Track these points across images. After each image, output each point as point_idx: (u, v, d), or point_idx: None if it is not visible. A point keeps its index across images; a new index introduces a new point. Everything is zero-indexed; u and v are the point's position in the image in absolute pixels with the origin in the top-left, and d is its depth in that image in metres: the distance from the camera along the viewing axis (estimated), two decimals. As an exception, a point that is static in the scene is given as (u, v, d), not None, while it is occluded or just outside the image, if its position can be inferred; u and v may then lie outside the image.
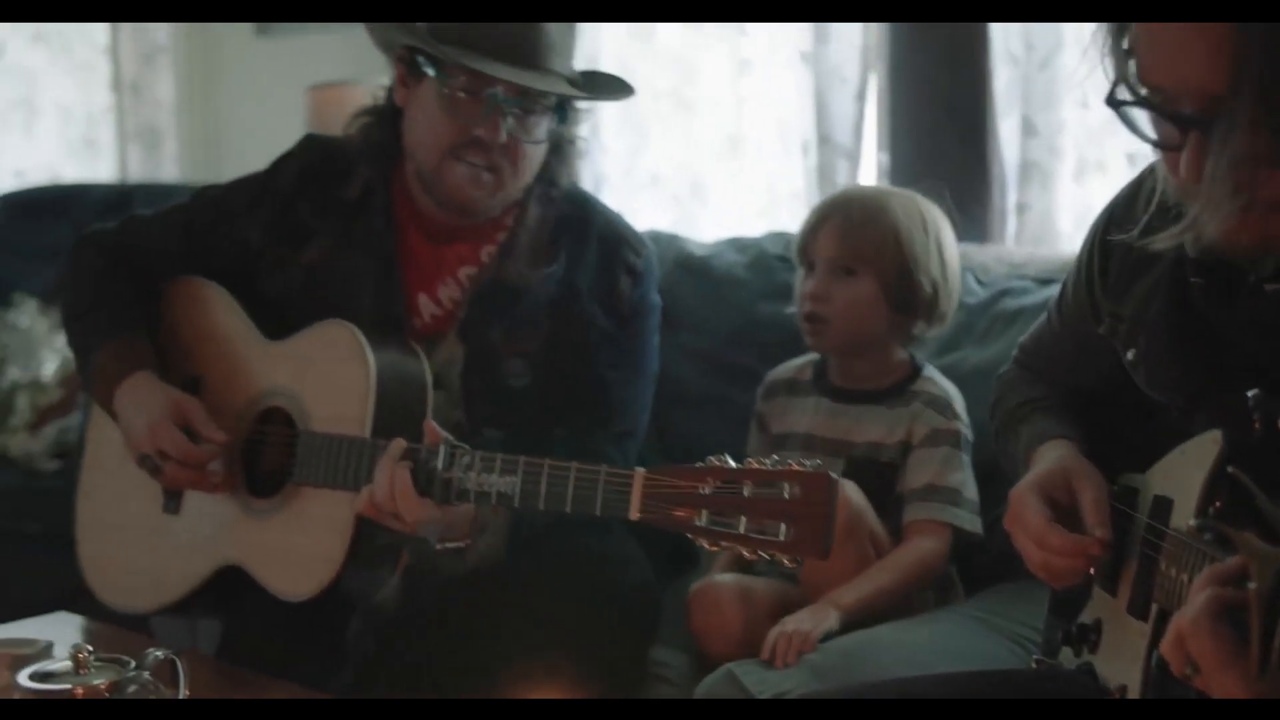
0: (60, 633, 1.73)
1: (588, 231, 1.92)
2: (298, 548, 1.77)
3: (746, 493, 1.41)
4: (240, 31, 4.05)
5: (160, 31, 4.15)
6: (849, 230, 1.90)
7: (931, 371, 1.98)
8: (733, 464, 1.43)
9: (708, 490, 1.43)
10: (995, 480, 1.70)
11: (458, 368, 1.88)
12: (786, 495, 1.39)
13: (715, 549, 1.43)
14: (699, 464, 1.45)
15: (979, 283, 2.27)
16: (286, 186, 1.94)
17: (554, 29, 1.80)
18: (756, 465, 1.42)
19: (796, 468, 1.39)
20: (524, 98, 1.79)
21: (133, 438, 1.83)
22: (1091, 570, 1.35)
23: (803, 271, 1.99)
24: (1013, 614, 1.76)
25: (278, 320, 1.90)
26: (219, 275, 1.97)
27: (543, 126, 1.83)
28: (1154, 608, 1.25)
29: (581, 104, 1.91)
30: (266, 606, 1.81)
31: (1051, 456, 1.40)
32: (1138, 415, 1.38)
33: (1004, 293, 2.21)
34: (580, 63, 3.16)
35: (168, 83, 4.19)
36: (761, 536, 1.40)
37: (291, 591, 1.76)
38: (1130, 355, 1.34)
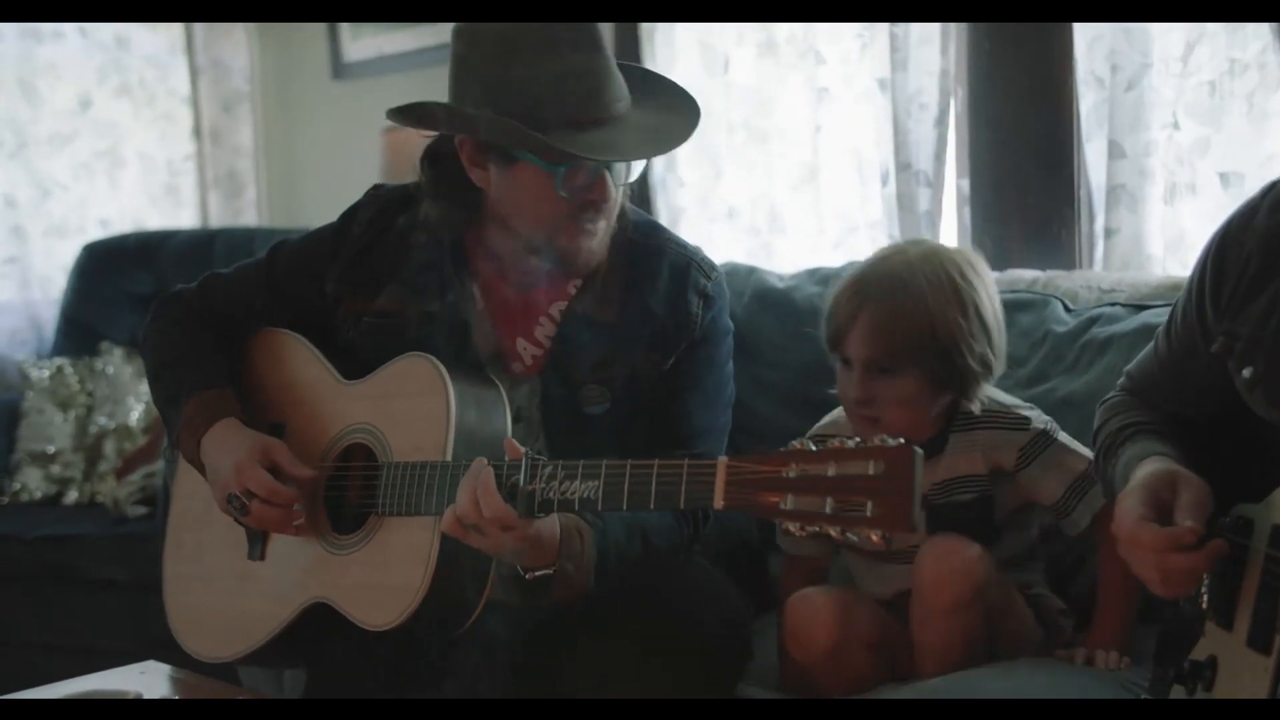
0: (150, 683, 1.74)
1: (658, 257, 1.92)
2: (382, 578, 1.77)
3: (830, 473, 1.39)
4: (316, 77, 4.11)
5: (239, 79, 4.23)
6: (879, 330, 1.79)
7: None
8: (814, 447, 1.41)
9: (792, 474, 1.40)
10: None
11: (537, 399, 1.89)
12: (871, 472, 1.36)
13: (803, 534, 1.40)
14: (782, 449, 1.43)
15: (1067, 310, 2.21)
16: (357, 237, 1.96)
17: (609, 65, 1.76)
18: (840, 445, 1.39)
19: (878, 444, 1.37)
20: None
21: (219, 480, 1.84)
22: (1205, 597, 1.31)
23: (840, 363, 1.89)
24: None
25: (356, 366, 1.91)
26: (297, 326, 1.99)
27: (628, 164, 1.83)
28: (1277, 639, 1.21)
29: None
30: (350, 654, 1.80)
31: (1154, 466, 1.37)
32: (1250, 445, 1.34)
33: (1093, 320, 2.15)
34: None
35: (246, 130, 4.26)
36: (848, 515, 1.37)
37: (376, 621, 1.75)
38: (1246, 374, 1.31)
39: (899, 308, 1.77)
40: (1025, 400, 2.00)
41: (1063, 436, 1.84)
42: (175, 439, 1.95)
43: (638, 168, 1.85)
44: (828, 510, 1.38)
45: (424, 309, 1.90)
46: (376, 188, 2.02)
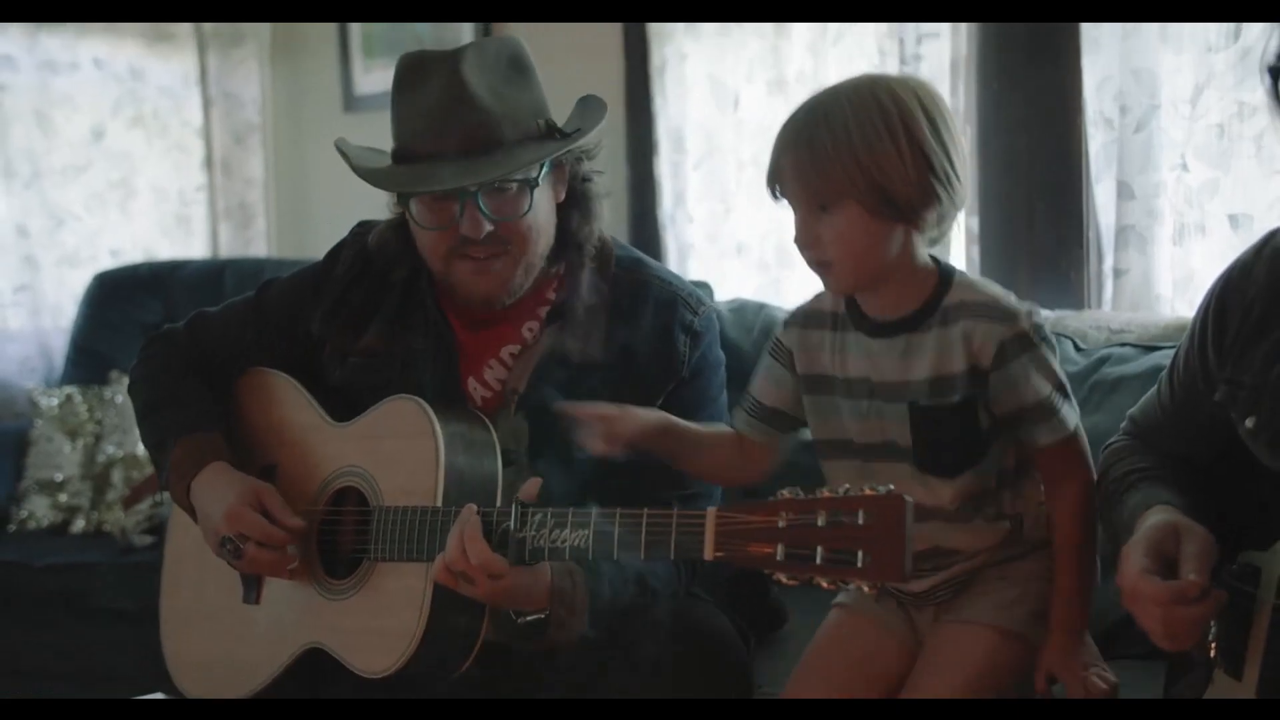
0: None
1: (643, 295, 1.89)
2: (376, 624, 1.76)
3: (821, 522, 1.38)
4: (327, 109, 4.12)
5: (251, 110, 4.25)
6: (805, 168, 1.65)
7: (962, 275, 1.72)
8: (803, 495, 1.40)
9: (782, 524, 1.40)
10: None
11: (524, 443, 1.87)
12: (861, 521, 1.36)
13: (794, 583, 1.39)
14: (771, 498, 1.42)
15: (1077, 350, 2.21)
16: (341, 275, 1.96)
17: (488, 100, 1.75)
18: (829, 494, 1.39)
19: (869, 492, 1.36)
20: (485, 184, 1.75)
21: (210, 526, 1.83)
22: (1213, 645, 1.30)
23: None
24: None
25: (344, 406, 1.90)
26: (285, 365, 1.99)
27: (526, 196, 1.79)
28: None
29: (583, 144, 1.85)
30: (351, 689, 1.79)
31: (1158, 517, 1.36)
32: (1254, 491, 1.33)
33: (1103, 360, 2.15)
34: (664, 134, 3.20)
35: (257, 161, 4.28)
36: (839, 566, 1.36)
37: (372, 668, 1.74)
38: (1249, 423, 1.30)
39: (823, 142, 1.64)
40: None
41: (1047, 348, 1.64)
42: (164, 482, 1.93)
43: (524, 201, 1.78)
44: (819, 560, 1.37)
45: (409, 347, 1.90)
46: (361, 224, 2.01)
